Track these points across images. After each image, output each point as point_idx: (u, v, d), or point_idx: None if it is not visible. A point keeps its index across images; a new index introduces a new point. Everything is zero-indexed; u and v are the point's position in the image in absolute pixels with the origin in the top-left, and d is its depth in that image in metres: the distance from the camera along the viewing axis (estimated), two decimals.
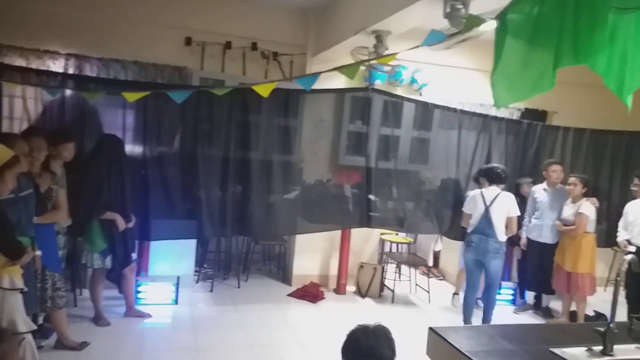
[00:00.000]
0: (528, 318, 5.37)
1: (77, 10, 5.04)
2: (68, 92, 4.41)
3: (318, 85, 3.25)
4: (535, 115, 6.45)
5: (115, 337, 4.05)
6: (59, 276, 3.61)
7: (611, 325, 2.21)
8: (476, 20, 2.16)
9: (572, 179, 4.96)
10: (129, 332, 4.18)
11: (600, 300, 5.81)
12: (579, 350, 2.23)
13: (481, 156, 5.55)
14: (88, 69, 5.05)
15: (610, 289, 6.39)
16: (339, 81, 5.20)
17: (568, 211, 5.00)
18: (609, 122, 5.91)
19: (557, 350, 2.22)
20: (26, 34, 4.87)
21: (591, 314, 5.28)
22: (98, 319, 4.25)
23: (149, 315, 4.50)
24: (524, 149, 5.70)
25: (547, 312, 5.40)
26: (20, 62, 4.81)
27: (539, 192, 5.25)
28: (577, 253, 4.90)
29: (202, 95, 4.48)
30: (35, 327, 2.83)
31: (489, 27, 2.13)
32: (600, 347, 2.23)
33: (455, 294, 5.61)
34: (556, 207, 5.10)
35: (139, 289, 4.69)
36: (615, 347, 2.22)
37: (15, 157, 2.69)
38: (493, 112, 6.02)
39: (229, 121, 4.75)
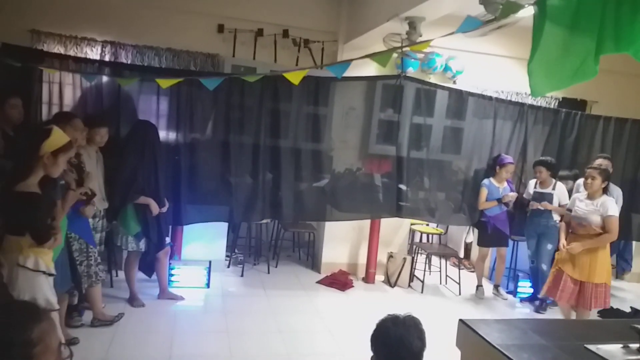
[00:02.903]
0: (557, 314, 5.25)
1: None
2: (104, 78, 4.51)
3: (349, 73, 3.22)
4: (573, 105, 6.25)
5: (149, 318, 4.17)
6: (96, 251, 3.74)
7: None
8: (514, 7, 2.10)
9: (590, 171, 4.27)
10: (162, 314, 4.30)
11: (637, 297, 5.64)
12: (615, 347, 2.17)
13: (517, 146, 5.43)
14: (123, 56, 5.15)
15: None
16: (371, 69, 5.15)
17: (583, 208, 4.29)
18: None
19: (592, 347, 2.16)
20: (64, 21, 5.00)
21: (627, 310, 5.13)
22: (133, 300, 4.37)
23: (181, 298, 4.60)
24: (562, 139, 5.52)
25: None
26: (58, 49, 4.94)
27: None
28: (595, 259, 4.19)
29: (234, 83, 4.52)
30: (56, 308, 2.79)
31: (527, 13, 2.07)
32: (637, 345, 2.16)
33: (479, 285, 5.54)
34: None
35: (172, 272, 4.80)
36: None
37: (69, 143, 2.77)
38: (529, 101, 5.86)
39: (260, 108, 4.77)
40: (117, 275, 4.85)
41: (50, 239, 2.70)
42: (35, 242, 2.64)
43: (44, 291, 2.70)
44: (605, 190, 4.28)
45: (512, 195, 5.20)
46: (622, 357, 2.12)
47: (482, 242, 5.46)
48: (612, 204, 4.20)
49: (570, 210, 4.45)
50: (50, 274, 2.75)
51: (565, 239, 4.42)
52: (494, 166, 5.27)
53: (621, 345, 2.19)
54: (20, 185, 2.57)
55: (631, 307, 5.16)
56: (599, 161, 4.96)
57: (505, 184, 5.29)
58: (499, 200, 5.21)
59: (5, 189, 2.60)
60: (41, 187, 2.70)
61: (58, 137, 2.72)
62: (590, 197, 4.30)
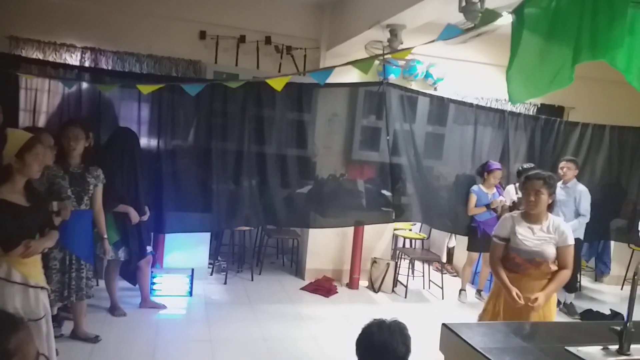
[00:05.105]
0: None
1: (94, 4, 5.09)
2: (84, 85, 4.45)
3: (331, 79, 3.23)
4: (551, 111, 6.36)
5: (131, 328, 4.11)
6: (90, 266, 3.68)
7: (628, 324, 2.18)
8: (492, 15, 2.14)
9: (533, 183, 2.93)
10: (144, 323, 4.24)
11: (616, 299, 5.73)
12: (595, 349, 2.20)
13: (497, 152, 5.50)
14: (104, 62, 5.11)
15: (627, 287, 6.31)
16: (353, 76, 5.17)
17: (531, 238, 2.94)
18: (628, 118, 5.81)
19: (572, 349, 2.19)
20: (43, 27, 4.93)
21: (607, 312, 5.22)
22: (114, 310, 4.31)
23: (163, 307, 4.55)
24: (542, 145, 5.61)
25: (571, 309, 5.31)
26: (37, 55, 4.87)
27: (558, 190, 5.11)
28: (549, 306, 3.00)
29: (216, 89, 4.50)
30: (40, 317, 2.66)
31: (505, 21, 2.10)
32: (617, 346, 2.20)
33: (462, 290, 5.58)
34: (571, 205, 5.01)
35: (154, 280, 4.74)
36: (632, 346, 2.19)
37: (32, 139, 2.65)
38: (509, 107, 5.95)
39: (243, 115, 4.75)
40: (97, 285, 4.76)
41: (16, 246, 2.56)
42: (2, 249, 2.56)
43: (14, 303, 2.58)
44: (549, 207, 3.03)
45: (501, 201, 5.26)
46: (601, 358, 2.16)
47: (472, 247, 5.47)
48: (569, 229, 3.00)
49: (506, 240, 3.03)
50: (30, 286, 2.63)
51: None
52: (482, 172, 5.32)
53: (601, 347, 2.22)
54: None
55: (610, 310, 5.25)
56: (562, 164, 5.01)
57: (495, 189, 5.34)
58: (488, 206, 5.27)
59: None
60: (28, 193, 2.66)
61: (15, 138, 2.64)
62: (533, 220, 2.98)
